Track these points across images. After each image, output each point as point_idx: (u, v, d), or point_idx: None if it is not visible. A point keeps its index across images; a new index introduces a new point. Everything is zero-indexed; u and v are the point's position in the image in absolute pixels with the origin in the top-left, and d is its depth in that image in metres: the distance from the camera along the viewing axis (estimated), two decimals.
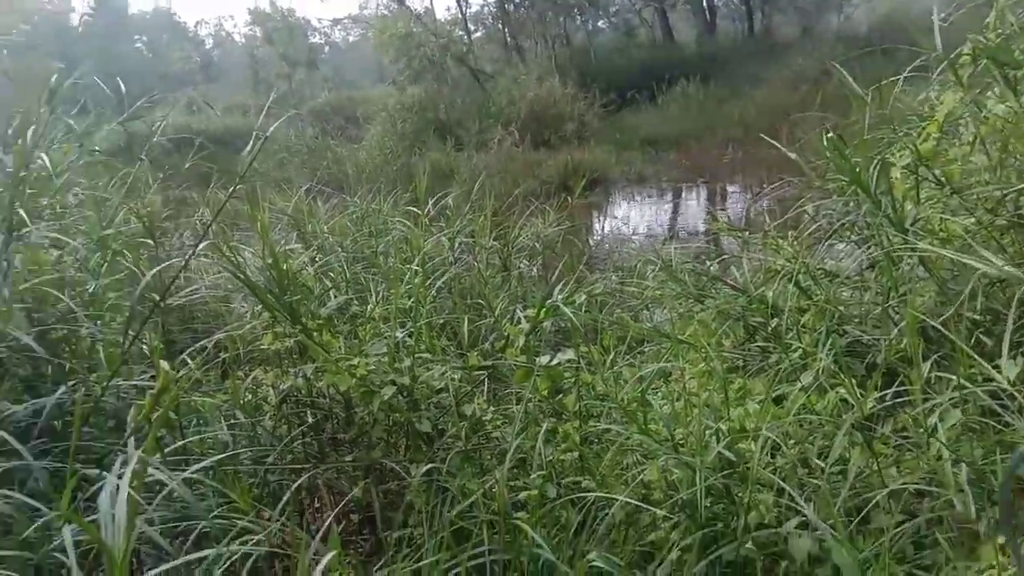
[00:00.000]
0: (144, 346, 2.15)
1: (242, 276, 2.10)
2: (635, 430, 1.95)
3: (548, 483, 2.07)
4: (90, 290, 2.46)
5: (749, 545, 1.83)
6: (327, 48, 38.00)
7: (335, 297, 2.90)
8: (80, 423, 1.28)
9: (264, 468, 2.19)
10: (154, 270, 1.97)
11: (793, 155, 3.39)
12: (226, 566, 1.85)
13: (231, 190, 2.14)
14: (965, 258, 2.11)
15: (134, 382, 2.08)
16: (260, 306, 2.53)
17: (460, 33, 21.25)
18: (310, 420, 2.56)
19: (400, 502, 2.27)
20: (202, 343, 2.37)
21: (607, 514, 2.00)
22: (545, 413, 2.50)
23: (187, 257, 2.01)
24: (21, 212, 1.81)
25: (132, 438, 1.35)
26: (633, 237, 8.64)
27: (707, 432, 1.99)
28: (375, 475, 2.26)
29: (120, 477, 1.24)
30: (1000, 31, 2.68)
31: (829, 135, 2.69)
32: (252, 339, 2.72)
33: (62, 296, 2.19)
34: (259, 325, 2.73)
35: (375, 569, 1.85)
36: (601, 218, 10.83)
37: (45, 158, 1.98)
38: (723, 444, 1.91)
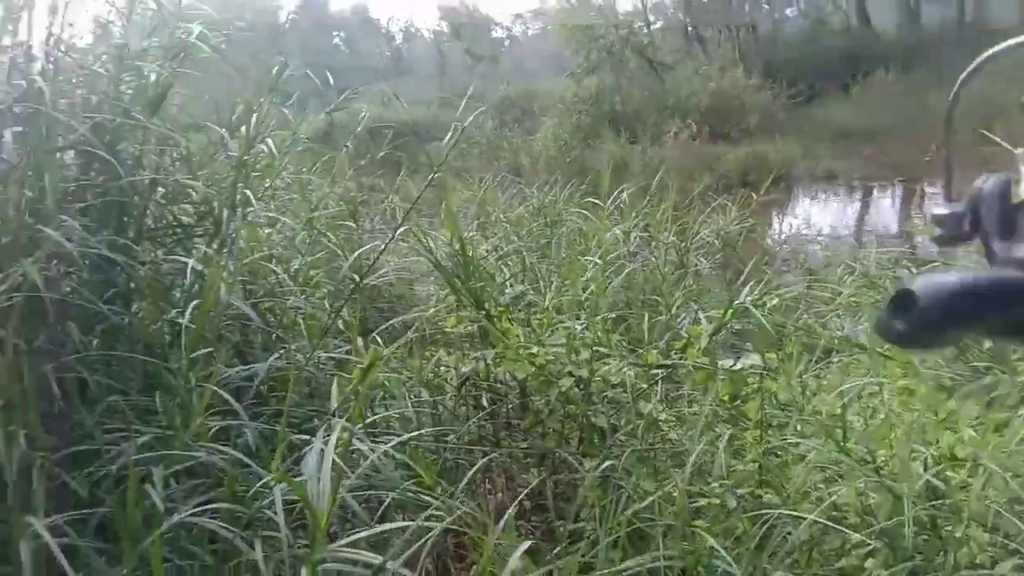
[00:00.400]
0: (340, 322, 2.29)
1: (435, 260, 2.17)
2: (832, 447, 1.82)
3: (728, 493, 1.99)
4: (295, 267, 2.66)
5: None
6: (507, 42, 38.86)
7: (512, 286, 2.95)
8: (291, 389, 1.38)
9: (445, 446, 2.27)
10: (357, 252, 2.08)
11: (1019, 151, 3.02)
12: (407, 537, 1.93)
13: (429, 178, 2.23)
14: None
15: (332, 354, 2.21)
16: (446, 290, 2.62)
17: (640, 24, 20.94)
18: (486, 403, 2.62)
19: (571, 492, 2.26)
20: (392, 321, 2.49)
21: (789, 532, 1.89)
22: (720, 419, 2.40)
23: (388, 240, 2.11)
24: (248, 192, 1.98)
25: (335, 407, 1.43)
26: (818, 238, 8.13)
27: (913, 456, 1.82)
28: (548, 464, 2.27)
29: (325, 444, 1.32)
30: None
31: None
32: (436, 321, 2.82)
33: (275, 270, 2.37)
34: (444, 308, 2.83)
35: (547, 558, 1.85)
36: (782, 216, 10.28)
37: (270, 143, 2.15)
38: (932, 471, 1.73)
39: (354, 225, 2.44)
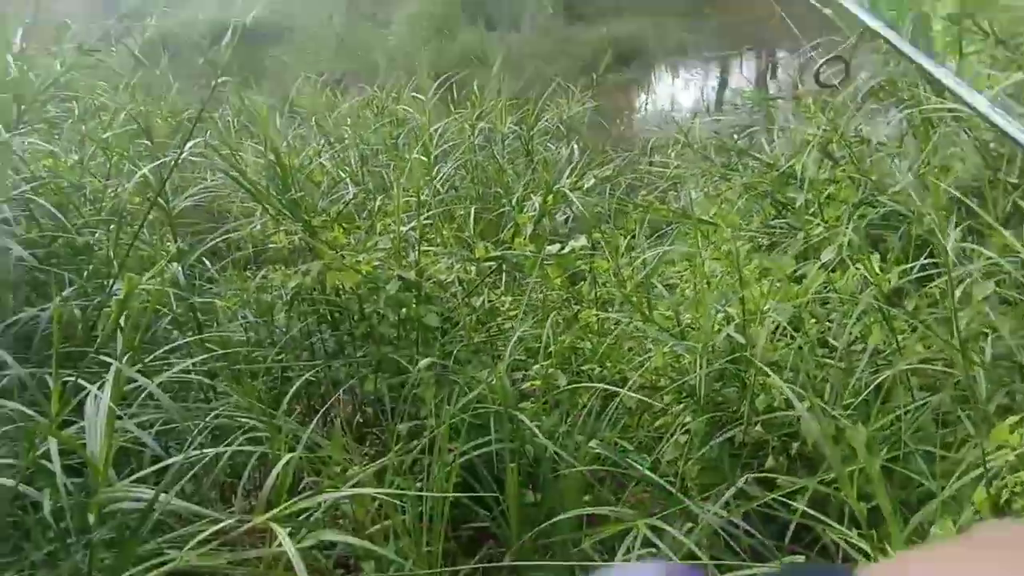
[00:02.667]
0: (143, 250, 2.15)
1: (234, 172, 2.05)
2: (639, 317, 1.90)
3: (559, 371, 2.05)
4: (90, 195, 2.45)
5: (758, 428, 1.80)
6: None
7: (344, 192, 2.85)
8: (59, 332, 1.29)
9: (279, 366, 2.22)
10: (146, 168, 1.92)
11: (827, 11, 3.13)
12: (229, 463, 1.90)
13: (213, 85, 2.06)
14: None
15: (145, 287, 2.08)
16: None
17: None
18: (326, 317, 2.57)
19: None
20: (210, 243, 2.37)
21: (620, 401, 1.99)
22: (558, 303, 2.46)
23: (179, 155, 1.96)
24: None
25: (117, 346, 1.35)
26: (672, 115, 8.27)
27: (718, 315, 1.92)
28: (386, 369, 2.27)
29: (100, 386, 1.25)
30: None
31: None
32: (264, 238, 2.70)
33: (74, 203, 2.18)
34: (270, 224, 2.71)
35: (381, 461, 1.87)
36: (639, 96, 10.39)
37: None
38: (732, 327, 1.84)
39: (149, 143, 2.25)
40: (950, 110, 2.25)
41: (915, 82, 2.55)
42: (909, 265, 1.98)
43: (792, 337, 1.99)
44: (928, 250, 2.07)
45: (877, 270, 1.87)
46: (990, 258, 1.65)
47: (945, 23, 2.42)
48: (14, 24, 2.27)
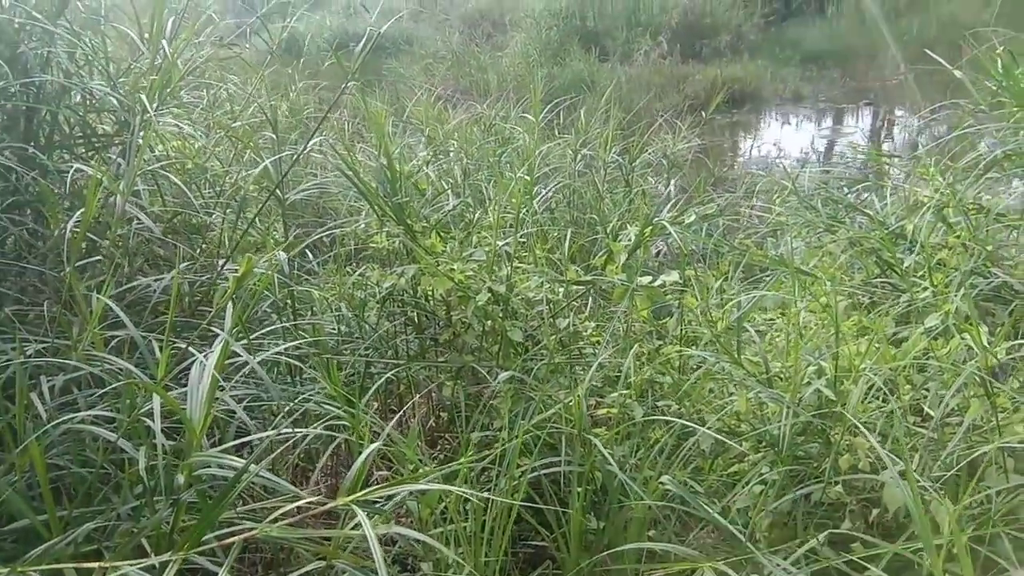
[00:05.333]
0: (252, 236, 2.26)
1: (349, 172, 2.14)
2: (726, 359, 1.87)
3: (636, 403, 2.04)
4: (211, 178, 2.60)
5: (838, 488, 1.74)
6: None
7: (446, 202, 2.93)
8: (176, 301, 1.38)
9: (364, 360, 2.29)
10: (268, 160, 2.04)
11: (959, 73, 3.03)
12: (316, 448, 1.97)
13: (342, 88, 2.17)
14: None
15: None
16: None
17: None
18: (414, 319, 2.64)
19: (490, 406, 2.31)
20: (315, 236, 2.47)
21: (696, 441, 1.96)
22: (642, 334, 2.44)
23: (302, 150, 2.06)
24: (143, 98, 1.89)
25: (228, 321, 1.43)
26: (779, 160, 8.11)
27: (809, 368, 1.87)
28: (466, 377, 2.31)
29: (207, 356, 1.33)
30: None
31: (998, 51, 2.37)
32: (367, 237, 2.80)
33: (196, 184, 2.32)
34: (374, 224, 2.81)
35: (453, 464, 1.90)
36: (747, 138, 10.24)
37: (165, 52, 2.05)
38: (822, 381, 1.79)
39: (274, 136, 2.38)
40: None
41: None
42: (1017, 342, 1.89)
43: (885, 400, 1.92)
44: None
45: (984, 343, 1.79)
46: None
47: None
48: (168, 16, 2.44)
